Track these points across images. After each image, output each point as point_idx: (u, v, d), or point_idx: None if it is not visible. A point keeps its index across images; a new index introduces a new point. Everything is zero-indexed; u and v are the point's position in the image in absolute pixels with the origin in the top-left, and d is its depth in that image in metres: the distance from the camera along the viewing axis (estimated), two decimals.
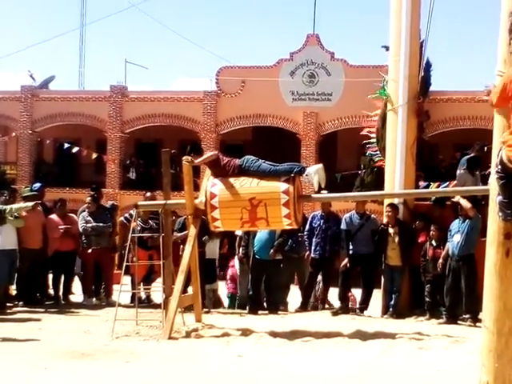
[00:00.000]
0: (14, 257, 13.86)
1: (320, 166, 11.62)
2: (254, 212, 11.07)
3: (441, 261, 13.25)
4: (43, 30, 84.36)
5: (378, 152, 16.30)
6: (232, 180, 11.31)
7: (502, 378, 6.14)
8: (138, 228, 14.19)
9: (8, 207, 13.53)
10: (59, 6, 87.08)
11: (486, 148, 15.43)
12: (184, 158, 11.83)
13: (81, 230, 14.82)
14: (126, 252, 12.88)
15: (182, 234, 14.05)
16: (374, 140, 16.84)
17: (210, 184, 11.39)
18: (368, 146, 17.67)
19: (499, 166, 5.99)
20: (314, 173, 11.39)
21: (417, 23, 15.02)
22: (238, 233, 15.59)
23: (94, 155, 32.30)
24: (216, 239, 15.29)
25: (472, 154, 14.93)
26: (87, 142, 35.01)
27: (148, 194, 15.50)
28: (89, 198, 15.46)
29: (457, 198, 13.26)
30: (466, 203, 12.95)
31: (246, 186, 11.19)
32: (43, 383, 8.09)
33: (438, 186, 16.94)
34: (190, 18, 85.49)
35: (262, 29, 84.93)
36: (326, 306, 15.24)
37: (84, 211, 15.21)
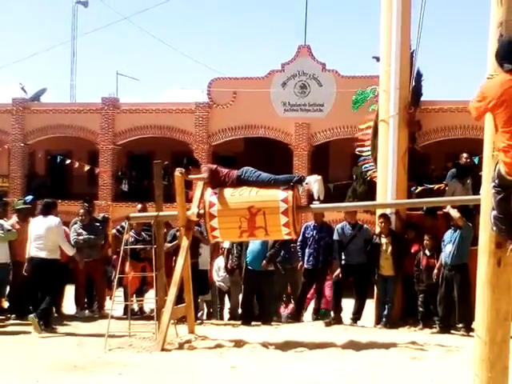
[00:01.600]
0: (5, 270, 13.81)
1: (319, 177, 11.63)
2: (253, 221, 11.05)
3: (435, 271, 13.27)
4: (34, 43, 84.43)
5: (372, 165, 16.28)
6: (231, 189, 11.32)
7: None
8: (132, 239, 14.21)
9: None
10: (50, 18, 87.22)
11: (475, 158, 15.53)
12: (177, 169, 11.85)
13: (72, 242, 14.78)
14: (119, 264, 12.84)
15: (172, 244, 14.02)
16: (368, 152, 16.83)
17: (209, 193, 11.38)
18: (362, 158, 17.66)
19: (496, 181, 5.97)
20: (314, 181, 11.41)
21: (407, 34, 15.05)
22: (226, 245, 15.59)
23: (87, 167, 32.32)
24: (207, 247, 15.18)
25: (462, 163, 14.95)
26: (79, 154, 34.99)
27: (139, 206, 15.49)
28: (82, 211, 15.44)
29: (447, 209, 13.30)
30: (454, 213, 12.98)
31: (245, 194, 11.19)
32: None
33: (425, 190, 16.99)
34: (182, 30, 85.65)
35: (254, 40, 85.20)
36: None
37: (76, 223, 15.19)
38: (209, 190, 11.47)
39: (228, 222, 11.23)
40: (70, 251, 13.36)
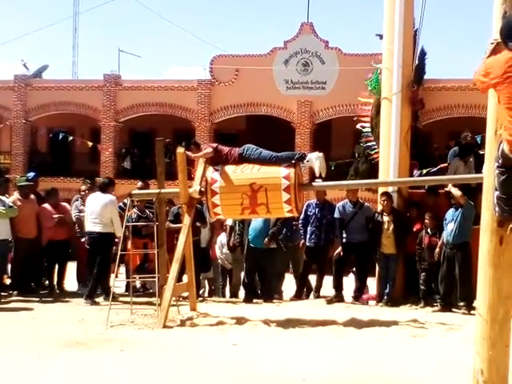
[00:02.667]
0: (6, 247, 13.85)
1: (321, 154, 11.60)
2: (255, 197, 11.04)
3: (437, 250, 13.28)
4: (36, 20, 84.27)
5: (373, 143, 16.26)
6: (233, 166, 11.32)
7: (495, 365, 6.15)
8: (134, 216, 14.25)
9: None
10: None
11: (477, 136, 15.51)
12: (179, 147, 11.84)
13: (74, 219, 14.80)
14: (121, 240, 12.84)
15: (176, 225, 14.01)
16: (369, 129, 16.81)
17: (211, 170, 11.37)
18: (363, 135, 17.62)
19: (500, 160, 5.94)
20: (315, 158, 11.38)
21: (411, 12, 14.99)
22: (229, 222, 15.60)
23: (89, 144, 32.32)
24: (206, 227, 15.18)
25: (464, 141, 14.92)
26: (81, 131, 34.99)
27: (140, 183, 15.49)
28: (83, 187, 15.42)
29: (448, 187, 13.29)
30: (456, 191, 12.98)
31: (247, 171, 11.18)
32: (38, 372, 8.09)
33: (429, 171, 16.96)
34: (184, 7, 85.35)
35: (256, 17, 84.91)
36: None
37: (77, 200, 15.18)
38: (210, 168, 11.46)
39: (230, 199, 11.22)
40: (120, 231, 13.39)
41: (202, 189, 11.66)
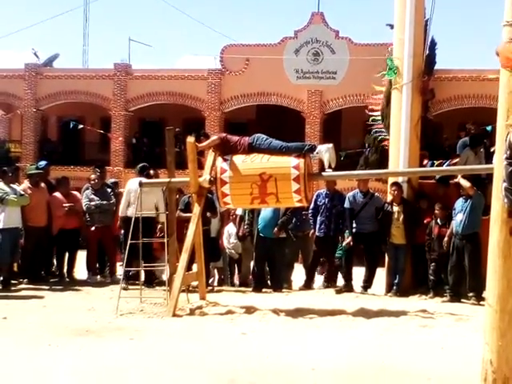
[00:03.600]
0: (17, 235, 13.89)
1: (330, 145, 11.59)
2: (264, 187, 11.04)
3: (446, 239, 13.27)
4: (47, 8, 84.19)
5: (383, 130, 16.23)
6: (242, 156, 11.32)
7: (505, 356, 6.15)
8: None
9: (6, 198, 13.50)
10: None
11: (488, 127, 15.48)
12: (189, 136, 11.84)
13: (84, 208, 14.84)
14: (131, 230, 12.84)
15: (186, 214, 14.02)
16: (379, 117, 16.77)
17: (221, 160, 11.37)
18: (373, 122, 17.59)
19: (508, 152, 5.92)
20: (325, 151, 11.37)
21: (422, 1, 14.94)
22: (239, 212, 15.63)
23: (101, 132, 32.37)
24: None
25: (469, 132, 14.91)
26: (91, 120, 35.04)
27: (151, 172, 15.52)
28: (93, 176, 15.44)
29: (458, 178, 13.27)
30: (465, 182, 12.96)
31: (257, 161, 11.18)
32: (47, 360, 8.13)
33: (441, 164, 16.91)
34: None
35: (267, 7, 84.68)
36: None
37: (88, 189, 15.21)
38: (220, 157, 11.46)
39: (239, 189, 11.22)
40: (163, 217, 13.40)
41: (212, 178, 11.68)
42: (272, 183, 11.00)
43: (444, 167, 14.43)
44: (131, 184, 14.27)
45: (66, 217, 14.62)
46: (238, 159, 11.27)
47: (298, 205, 12.05)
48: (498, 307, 6.16)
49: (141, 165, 14.86)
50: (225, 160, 11.34)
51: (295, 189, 11.00)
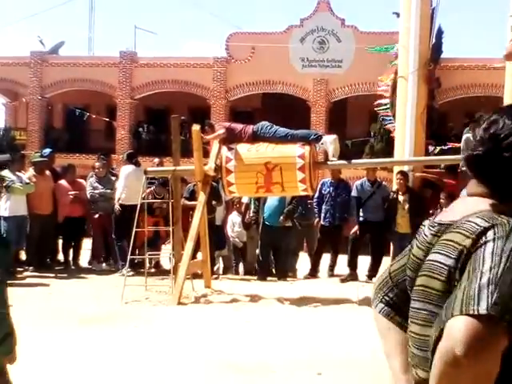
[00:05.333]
0: (23, 223, 13.91)
1: (335, 136, 11.57)
2: (270, 176, 11.04)
3: None
4: None
5: (390, 117, 16.20)
6: (248, 145, 11.29)
7: None
8: (150, 197, 14.31)
9: (12, 186, 13.51)
10: None
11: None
12: (194, 125, 11.83)
13: (88, 196, 14.84)
14: (136, 217, 12.79)
15: (191, 203, 14.00)
16: (388, 105, 16.74)
17: (226, 148, 11.36)
18: (381, 109, 17.57)
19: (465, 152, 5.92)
20: (330, 142, 11.33)
21: None
22: (245, 200, 15.63)
23: (106, 120, 32.36)
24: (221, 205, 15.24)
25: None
26: (97, 108, 35.01)
27: (156, 160, 15.54)
28: (98, 164, 15.43)
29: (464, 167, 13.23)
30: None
31: (262, 150, 11.15)
32: (52, 347, 8.15)
33: (443, 149, 16.91)
34: None
35: None
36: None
37: (92, 177, 15.21)
38: (225, 146, 11.44)
39: (245, 178, 11.22)
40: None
41: (217, 167, 11.67)
42: (277, 173, 10.99)
43: (449, 156, 14.37)
44: (125, 170, 14.49)
45: (72, 205, 14.63)
46: (243, 148, 11.26)
47: (303, 193, 12.06)
48: None
49: (128, 152, 15.31)
50: (230, 149, 11.32)
51: (300, 178, 10.98)
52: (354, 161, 13.93)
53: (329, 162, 12.62)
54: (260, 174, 11.06)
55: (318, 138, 11.38)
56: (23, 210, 13.84)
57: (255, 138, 11.37)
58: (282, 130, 11.38)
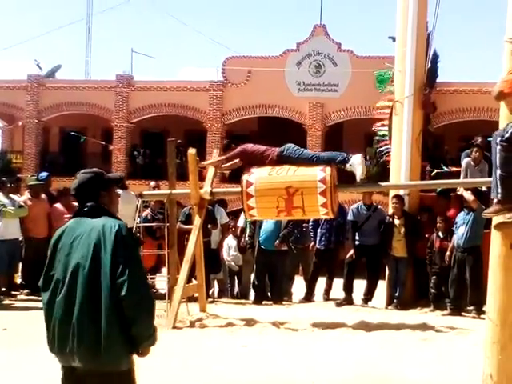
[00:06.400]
0: (15, 246, 13.87)
1: (361, 156, 11.37)
2: (291, 201, 10.90)
3: (448, 253, 13.26)
4: (50, 19, 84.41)
5: (388, 147, 16.17)
6: (268, 168, 11.14)
7: (505, 370, 6.14)
8: (149, 218, 14.31)
9: (3, 210, 13.51)
10: None
11: (485, 140, 15.45)
12: (190, 148, 11.84)
13: None
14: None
15: (187, 226, 14.00)
16: (385, 132, 16.73)
17: (246, 172, 11.26)
18: (377, 139, 17.59)
19: (507, 135, 5.93)
20: (358, 164, 11.12)
21: (424, 14, 14.99)
22: (240, 224, 15.66)
23: (102, 144, 32.36)
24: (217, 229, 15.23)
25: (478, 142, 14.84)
26: (93, 132, 35.07)
27: (152, 183, 15.54)
28: None
29: (460, 191, 13.26)
30: (468, 196, 12.95)
31: (283, 174, 10.98)
32: (47, 371, 8.10)
33: (440, 173, 16.90)
34: (197, 8, 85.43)
35: (269, 19, 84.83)
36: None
37: None
38: (246, 170, 11.32)
39: (265, 202, 11.05)
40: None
41: (213, 190, 11.65)
42: (298, 197, 10.86)
43: (446, 180, 14.36)
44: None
45: None
46: (264, 172, 11.11)
47: (324, 217, 12.20)
48: (499, 321, 6.16)
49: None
50: (251, 173, 11.21)
51: (322, 203, 10.82)
52: (375, 184, 13.70)
53: (349, 186, 12.39)
54: (281, 198, 10.91)
55: (346, 160, 11.20)
56: (15, 233, 13.81)
57: (279, 159, 11.19)
58: (308, 152, 11.30)
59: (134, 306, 4.51)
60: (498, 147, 5.96)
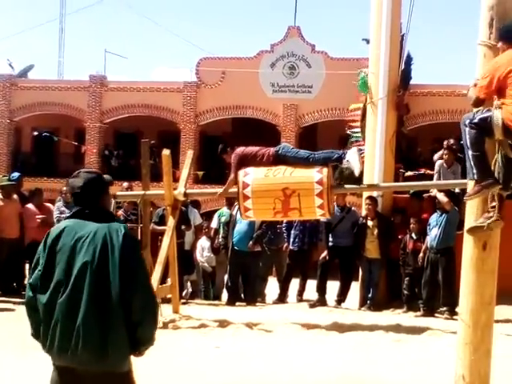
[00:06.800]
0: None
1: (356, 149, 11.31)
2: (287, 202, 10.80)
3: (421, 254, 13.32)
4: (23, 19, 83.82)
5: (363, 148, 16.18)
6: (265, 170, 11.04)
7: (477, 370, 6.16)
8: (121, 219, 14.23)
9: None
10: None
11: (459, 143, 15.57)
12: (164, 149, 11.79)
13: (55, 220, 14.71)
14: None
15: (161, 227, 13.94)
16: (359, 134, 16.75)
17: (242, 174, 11.11)
18: (351, 140, 17.61)
19: (476, 120, 6.03)
20: (354, 158, 11.01)
21: (398, 17, 15.04)
22: (214, 225, 15.65)
23: (75, 144, 32.17)
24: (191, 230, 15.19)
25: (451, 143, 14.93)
26: (66, 132, 34.83)
27: (125, 184, 15.46)
28: (65, 188, 15.31)
29: (434, 192, 13.33)
30: (442, 197, 13.01)
31: (279, 176, 10.90)
32: (17, 372, 8.04)
33: (414, 175, 16.95)
34: (171, 9, 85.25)
35: (243, 20, 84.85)
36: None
37: (59, 201, 15.11)
38: (242, 171, 11.17)
39: (262, 203, 10.92)
40: None
41: (187, 191, 11.60)
42: (295, 199, 10.77)
43: (419, 182, 14.42)
44: None
45: (39, 229, 14.46)
46: (260, 173, 11.01)
47: (321, 218, 12.30)
48: (471, 322, 6.17)
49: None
50: (246, 174, 11.11)
51: (318, 204, 10.74)
52: (369, 184, 13.71)
53: (346, 186, 12.41)
54: (278, 199, 10.83)
55: (342, 157, 11.16)
56: None
57: (276, 159, 11.10)
58: (304, 152, 11.20)
59: (142, 309, 4.58)
60: (467, 128, 6.06)
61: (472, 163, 6.09)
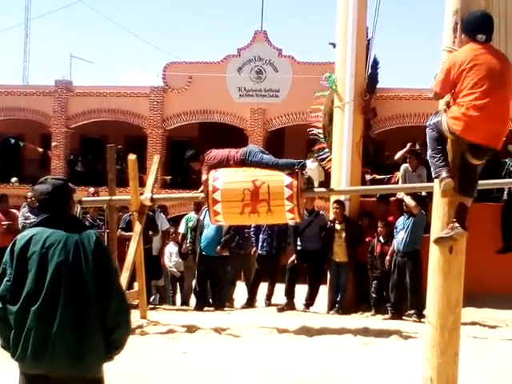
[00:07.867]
0: None
1: (317, 163, 11.40)
2: (257, 193, 10.65)
3: (388, 258, 13.36)
4: None
5: (327, 151, 16.20)
6: (234, 170, 11.02)
7: (445, 373, 6.18)
8: (88, 224, 14.11)
9: None
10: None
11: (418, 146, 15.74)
12: (130, 154, 11.73)
13: (20, 226, 14.57)
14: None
15: (128, 233, 13.87)
16: (322, 136, 16.78)
17: (212, 177, 11.01)
18: (315, 142, 17.63)
19: (435, 122, 6.15)
20: (314, 168, 11.07)
21: (363, 21, 15.08)
22: (181, 230, 15.62)
23: (41, 150, 31.93)
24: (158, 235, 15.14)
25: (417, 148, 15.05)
26: (32, 137, 34.56)
27: (91, 189, 15.37)
28: (30, 194, 15.19)
29: (401, 196, 13.39)
30: (410, 201, 13.07)
31: (249, 171, 10.93)
32: None
33: (382, 179, 17.03)
34: (138, 13, 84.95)
35: (210, 24, 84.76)
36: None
37: (24, 207, 14.98)
38: (211, 175, 11.02)
39: (231, 203, 10.81)
40: None
41: (154, 196, 11.55)
42: (265, 189, 10.59)
43: (387, 186, 14.48)
44: None
45: (4, 235, 14.34)
46: (230, 172, 10.99)
47: (291, 222, 12.31)
48: (438, 325, 6.20)
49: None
50: (216, 178, 11.01)
51: (288, 208, 10.68)
52: (341, 188, 13.82)
53: (315, 189, 12.40)
54: (247, 190, 10.72)
55: (303, 167, 11.17)
56: None
57: (242, 162, 11.07)
58: (268, 158, 11.09)
59: (116, 313, 4.64)
60: (428, 130, 6.26)
61: (430, 162, 6.22)
